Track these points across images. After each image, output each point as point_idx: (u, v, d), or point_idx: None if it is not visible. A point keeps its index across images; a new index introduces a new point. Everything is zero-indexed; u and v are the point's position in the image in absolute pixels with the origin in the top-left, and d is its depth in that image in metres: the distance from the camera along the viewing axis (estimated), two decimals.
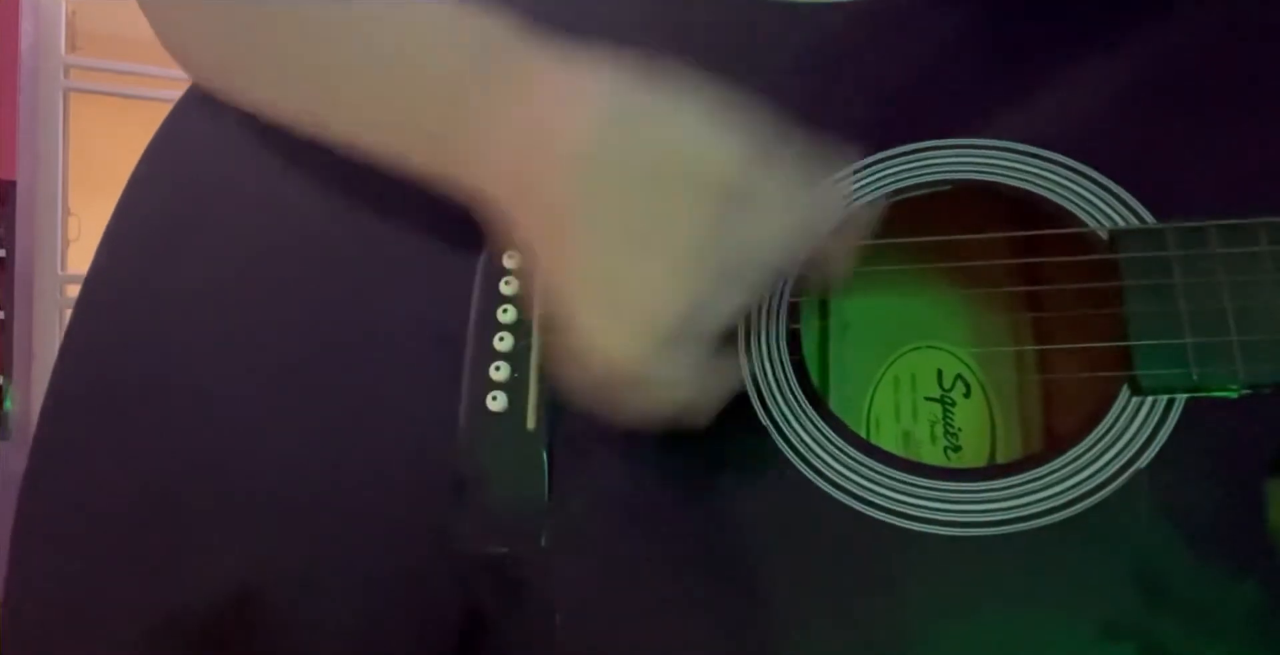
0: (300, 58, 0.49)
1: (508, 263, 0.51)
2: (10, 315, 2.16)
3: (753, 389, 0.47)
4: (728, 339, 0.40)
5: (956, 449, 0.54)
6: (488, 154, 0.43)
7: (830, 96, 0.51)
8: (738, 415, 0.46)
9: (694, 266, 0.38)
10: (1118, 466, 0.43)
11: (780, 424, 0.46)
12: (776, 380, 0.47)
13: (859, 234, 0.45)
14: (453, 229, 0.53)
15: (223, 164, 0.59)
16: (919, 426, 0.54)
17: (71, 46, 2.34)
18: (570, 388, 0.44)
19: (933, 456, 0.54)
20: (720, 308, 0.39)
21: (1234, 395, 0.43)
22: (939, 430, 0.54)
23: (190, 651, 0.49)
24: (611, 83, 0.40)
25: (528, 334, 0.50)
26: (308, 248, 0.55)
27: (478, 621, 0.47)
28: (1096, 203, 0.46)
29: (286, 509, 0.50)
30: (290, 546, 0.50)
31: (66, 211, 2.24)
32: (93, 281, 0.58)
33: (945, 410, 0.55)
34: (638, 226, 0.38)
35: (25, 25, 2.22)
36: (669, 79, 0.40)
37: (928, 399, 0.55)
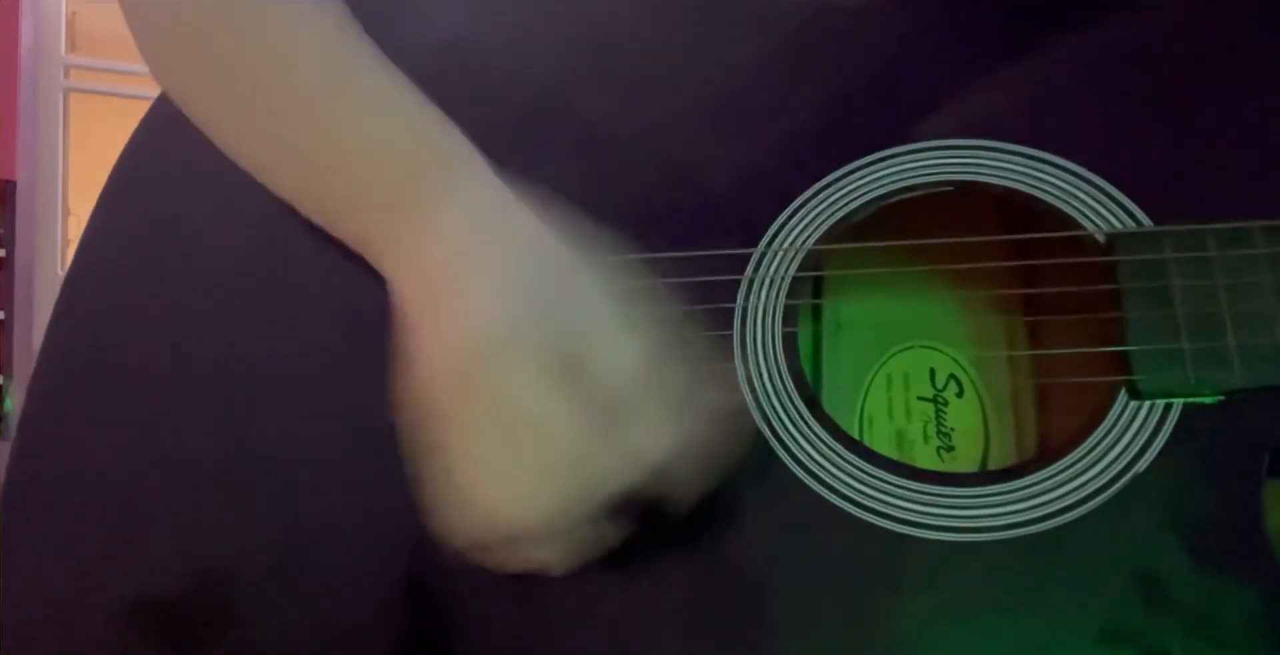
0: (242, 104, 0.48)
1: None
2: (10, 315, 2.17)
3: (749, 393, 0.47)
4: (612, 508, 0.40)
5: (949, 449, 0.54)
6: (405, 264, 0.43)
7: (829, 97, 0.51)
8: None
9: (559, 478, 0.38)
10: (1116, 471, 0.42)
11: (776, 428, 0.46)
12: (773, 384, 0.47)
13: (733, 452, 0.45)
14: None
15: (208, 156, 0.58)
16: (912, 426, 0.54)
17: (71, 46, 2.35)
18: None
19: (926, 456, 0.53)
20: (583, 509, 0.39)
21: (1224, 399, 0.43)
22: (931, 430, 0.54)
23: (173, 638, 0.49)
24: (526, 258, 0.40)
25: None
26: (298, 240, 0.55)
27: (463, 624, 0.47)
28: (1093, 205, 0.46)
29: (272, 503, 0.50)
30: (273, 542, 0.50)
31: (66, 211, 2.25)
32: (76, 273, 0.58)
33: (938, 410, 0.54)
34: (516, 421, 0.38)
35: (25, 25, 2.23)
36: (590, 260, 0.41)
37: (920, 398, 0.55)
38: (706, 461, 0.42)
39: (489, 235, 0.41)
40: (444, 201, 0.42)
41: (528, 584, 0.46)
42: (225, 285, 0.55)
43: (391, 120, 0.45)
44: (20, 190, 2.20)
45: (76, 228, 2.23)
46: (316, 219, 0.47)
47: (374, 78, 0.45)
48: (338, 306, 0.53)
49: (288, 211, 0.54)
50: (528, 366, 0.38)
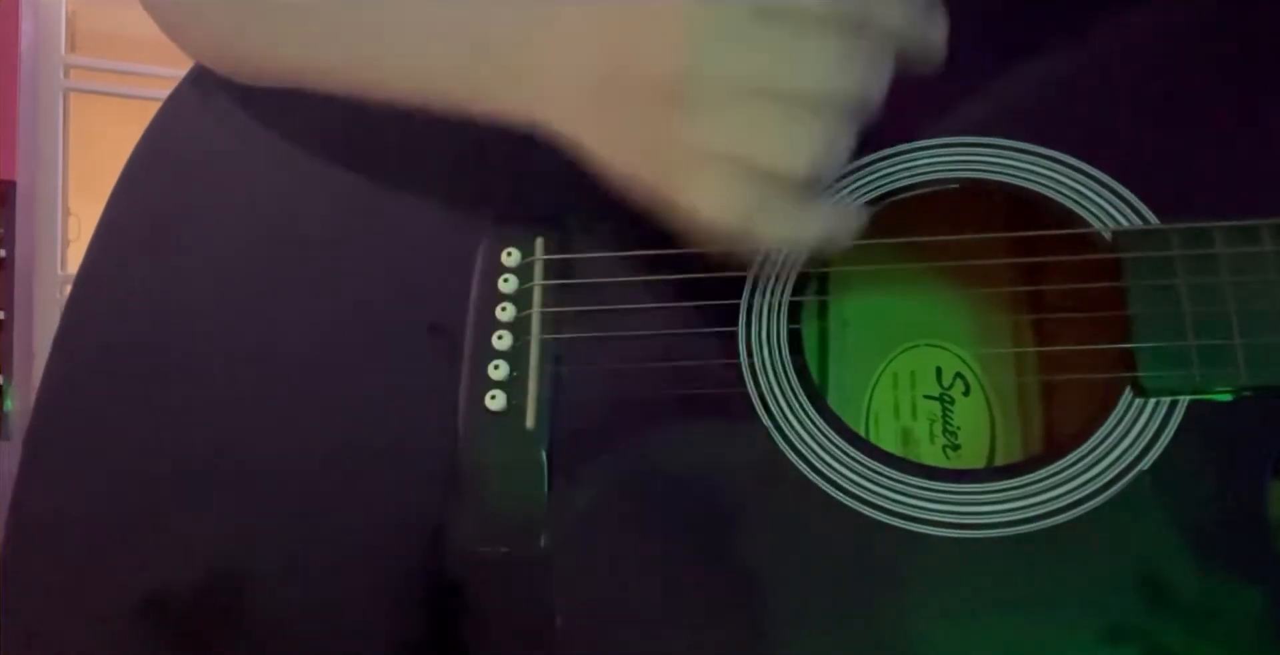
0: (342, 11, 0.49)
1: (506, 260, 0.51)
2: (10, 315, 2.16)
3: (754, 389, 0.47)
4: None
5: (955, 448, 0.54)
6: (552, 53, 0.43)
7: None
8: (739, 415, 0.46)
9: (824, 112, 0.38)
10: (1121, 468, 0.42)
11: (781, 424, 0.46)
12: (777, 380, 0.47)
13: None
14: (451, 225, 0.53)
15: (217, 156, 0.59)
16: (918, 424, 0.54)
17: (71, 46, 2.34)
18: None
19: (932, 455, 0.53)
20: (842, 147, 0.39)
21: (1230, 398, 0.43)
22: (938, 428, 0.54)
23: (176, 637, 0.50)
24: None
25: (527, 332, 0.50)
26: (303, 241, 0.55)
27: (466, 620, 0.47)
28: (1100, 202, 0.46)
29: (279, 502, 0.50)
30: (280, 538, 0.50)
31: (66, 211, 2.24)
32: (86, 273, 0.58)
33: (944, 408, 0.54)
34: (759, 77, 0.38)
35: (25, 25, 2.22)
36: None
37: (927, 397, 0.55)
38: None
39: None
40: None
41: (537, 577, 0.46)
42: (240, 281, 0.55)
43: None
44: (20, 190, 2.20)
45: (76, 228, 2.22)
46: (452, 75, 0.47)
47: None
48: (352, 301, 0.53)
49: (305, 204, 0.54)
50: (742, 8, 0.37)
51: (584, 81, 0.42)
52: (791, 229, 0.40)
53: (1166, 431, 0.43)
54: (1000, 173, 0.47)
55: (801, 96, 0.37)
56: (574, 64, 0.42)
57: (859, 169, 0.49)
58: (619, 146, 0.42)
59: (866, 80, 0.38)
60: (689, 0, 0.38)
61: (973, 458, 0.53)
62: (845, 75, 0.37)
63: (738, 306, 0.48)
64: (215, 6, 0.53)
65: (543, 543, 0.47)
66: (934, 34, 0.40)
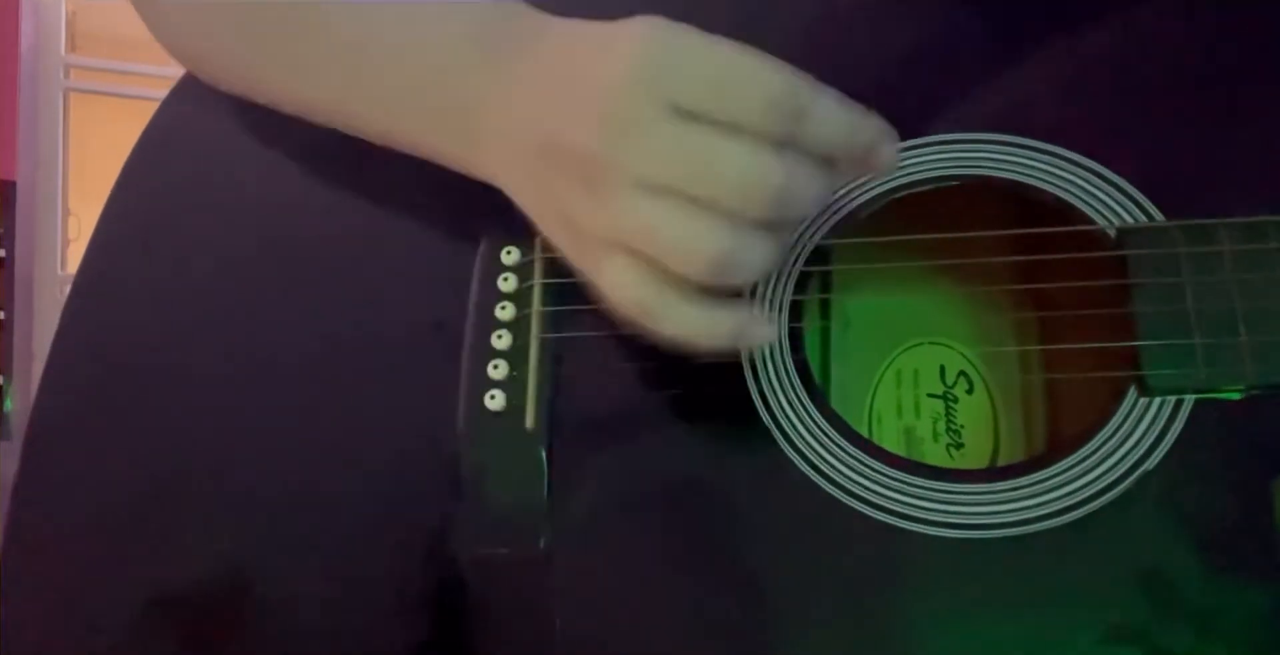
0: (307, 47, 0.49)
1: (505, 258, 0.51)
2: (10, 315, 2.17)
3: (754, 388, 0.47)
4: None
5: (959, 446, 0.53)
6: (500, 116, 0.43)
7: (841, 90, 0.50)
8: (739, 414, 0.46)
9: (747, 199, 0.37)
10: (1125, 468, 0.42)
11: (782, 423, 0.46)
12: (779, 379, 0.47)
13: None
14: (450, 224, 0.53)
15: (215, 156, 0.59)
16: (921, 423, 0.54)
17: (71, 46, 2.35)
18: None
19: (935, 454, 0.53)
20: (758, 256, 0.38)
21: (1237, 397, 0.42)
22: (941, 427, 0.54)
23: (178, 639, 0.49)
24: (645, 25, 0.39)
25: (527, 331, 0.50)
26: (302, 242, 0.55)
27: (467, 621, 0.47)
28: (1105, 199, 0.46)
29: (279, 503, 0.50)
30: (281, 540, 0.50)
31: (66, 211, 2.25)
32: (85, 275, 0.58)
33: (948, 407, 0.54)
34: (667, 175, 0.37)
35: (25, 25, 2.23)
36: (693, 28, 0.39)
37: (930, 395, 0.55)
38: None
39: (590, 38, 0.41)
40: (525, 47, 0.43)
41: (537, 578, 0.46)
42: (238, 282, 0.56)
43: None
44: (20, 190, 2.21)
45: (76, 228, 2.23)
46: (415, 130, 0.48)
47: None
48: (351, 301, 0.53)
49: (302, 205, 0.54)
50: (663, 104, 0.37)
51: (525, 149, 0.42)
52: (691, 329, 0.40)
53: (1172, 430, 0.42)
54: (1004, 169, 0.47)
55: (711, 201, 0.37)
56: (518, 130, 0.42)
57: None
58: (547, 218, 0.43)
59: (789, 192, 0.37)
60: (618, 84, 0.37)
61: (976, 457, 0.53)
62: (762, 186, 0.36)
63: None
64: (199, 22, 0.53)
65: (542, 543, 0.46)
66: (880, 148, 0.40)
